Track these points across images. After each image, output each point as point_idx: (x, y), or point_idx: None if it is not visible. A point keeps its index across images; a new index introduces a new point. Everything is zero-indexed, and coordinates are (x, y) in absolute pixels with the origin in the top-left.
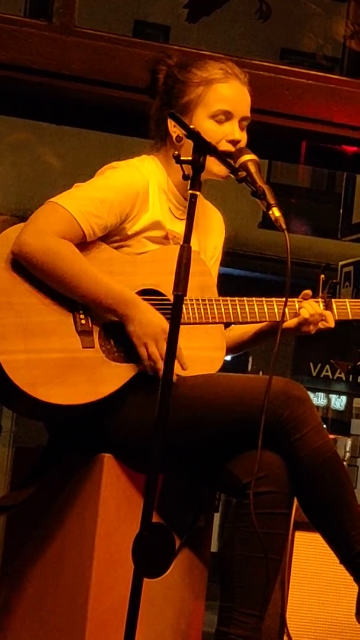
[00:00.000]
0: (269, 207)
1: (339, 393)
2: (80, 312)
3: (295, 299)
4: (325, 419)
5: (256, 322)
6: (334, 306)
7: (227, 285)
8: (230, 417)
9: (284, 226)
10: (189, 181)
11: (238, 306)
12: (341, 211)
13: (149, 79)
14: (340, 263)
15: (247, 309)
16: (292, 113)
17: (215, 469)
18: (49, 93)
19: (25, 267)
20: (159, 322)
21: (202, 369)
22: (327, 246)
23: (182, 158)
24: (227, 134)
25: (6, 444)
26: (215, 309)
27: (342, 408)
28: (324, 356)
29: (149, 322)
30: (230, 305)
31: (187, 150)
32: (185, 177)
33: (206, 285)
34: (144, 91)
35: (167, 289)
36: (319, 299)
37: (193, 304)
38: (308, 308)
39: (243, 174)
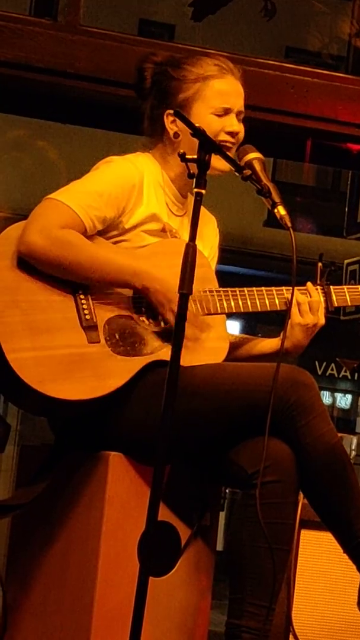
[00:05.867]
0: (274, 205)
1: (345, 391)
2: (85, 307)
3: (298, 287)
4: (331, 418)
5: (258, 312)
6: (333, 293)
7: (233, 284)
8: (237, 405)
9: (289, 224)
10: (189, 178)
11: (239, 297)
12: (346, 209)
13: (135, 78)
14: (346, 261)
15: (248, 300)
16: (297, 111)
17: (221, 459)
18: (54, 91)
19: (35, 265)
20: (177, 284)
21: (207, 360)
22: (333, 244)
23: (187, 157)
24: (226, 125)
25: (11, 442)
26: (217, 301)
27: (347, 406)
28: (329, 354)
29: (168, 287)
30: (231, 296)
31: (185, 146)
32: (190, 176)
33: (206, 276)
34: (134, 88)
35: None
36: (318, 287)
37: (194, 297)
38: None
39: (248, 172)
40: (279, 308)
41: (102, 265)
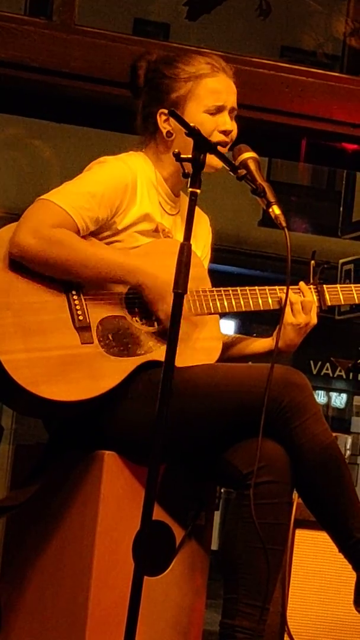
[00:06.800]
0: (269, 204)
1: (339, 391)
2: (77, 308)
3: (291, 287)
4: (326, 417)
5: (251, 312)
6: (326, 292)
7: (227, 283)
8: (231, 406)
9: (284, 224)
10: (183, 177)
11: (232, 297)
12: (341, 209)
13: (129, 75)
14: (341, 261)
15: (241, 300)
16: (292, 111)
17: (215, 460)
18: (49, 91)
19: (27, 266)
20: (170, 280)
21: (200, 359)
22: (327, 244)
23: (182, 156)
24: (219, 124)
25: (6, 441)
26: (210, 300)
27: (342, 406)
28: (324, 354)
29: (161, 283)
30: (224, 296)
31: (177, 145)
32: (185, 175)
33: (200, 276)
34: (128, 87)
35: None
36: (311, 286)
37: (188, 297)
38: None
39: (243, 171)
40: (272, 307)
41: (95, 262)
